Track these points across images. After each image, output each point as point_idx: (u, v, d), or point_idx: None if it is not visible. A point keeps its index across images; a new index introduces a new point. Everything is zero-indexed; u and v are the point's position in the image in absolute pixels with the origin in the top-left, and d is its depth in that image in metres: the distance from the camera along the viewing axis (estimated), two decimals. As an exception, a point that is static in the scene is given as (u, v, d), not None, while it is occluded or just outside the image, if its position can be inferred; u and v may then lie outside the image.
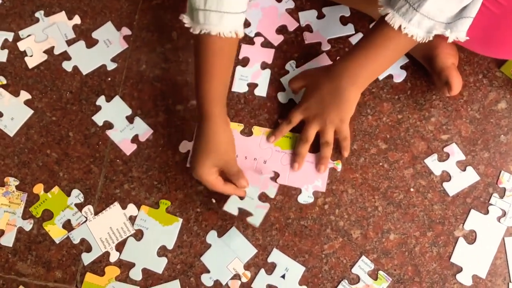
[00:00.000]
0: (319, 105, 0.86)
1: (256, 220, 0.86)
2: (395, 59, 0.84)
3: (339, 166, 0.92)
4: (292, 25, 1.00)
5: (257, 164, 0.91)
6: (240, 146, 0.91)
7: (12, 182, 0.94)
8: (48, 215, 0.92)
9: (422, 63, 0.93)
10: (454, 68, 0.87)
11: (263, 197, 0.88)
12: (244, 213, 0.86)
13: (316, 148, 0.91)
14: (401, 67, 0.96)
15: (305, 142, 0.89)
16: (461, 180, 0.90)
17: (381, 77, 0.96)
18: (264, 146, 0.93)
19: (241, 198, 0.86)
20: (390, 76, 0.96)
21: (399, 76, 0.95)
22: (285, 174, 0.91)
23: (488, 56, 0.93)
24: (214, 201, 0.91)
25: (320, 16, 1.00)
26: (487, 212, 0.89)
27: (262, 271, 0.88)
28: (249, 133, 0.94)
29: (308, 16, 1.00)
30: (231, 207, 0.86)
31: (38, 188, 0.93)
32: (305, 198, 0.90)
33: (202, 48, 0.80)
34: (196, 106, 0.85)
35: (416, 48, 0.89)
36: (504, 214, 0.88)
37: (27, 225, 0.91)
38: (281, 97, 0.96)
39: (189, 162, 0.88)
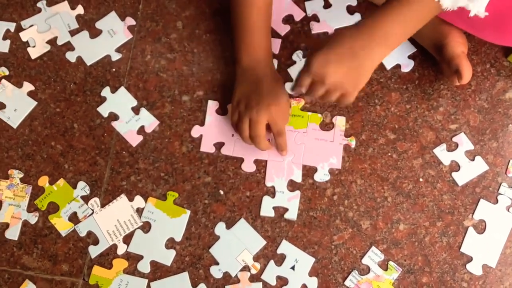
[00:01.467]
0: (337, 64, 0.75)
1: (292, 214, 0.88)
2: (419, 25, 0.76)
3: (353, 142, 0.92)
4: (298, 15, 0.99)
5: (272, 144, 0.91)
6: None
7: (16, 174, 0.92)
8: (53, 208, 0.91)
9: (431, 52, 0.92)
10: (464, 57, 0.87)
11: (291, 186, 0.90)
12: (280, 212, 0.89)
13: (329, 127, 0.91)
14: (409, 57, 0.95)
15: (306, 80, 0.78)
16: (470, 170, 0.90)
17: (388, 67, 0.95)
18: None
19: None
20: (397, 66, 0.95)
21: (407, 66, 0.95)
22: (299, 154, 0.91)
23: (499, 45, 0.93)
24: (222, 192, 0.90)
25: (327, 5, 0.99)
26: (496, 202, 0.89)
27: (272, 262, 0.87)
28: None
29: (314, 6, 0.99)
30: (267, 210, 0.88)
31: (43, 181, 0.92)
32: (321, 176, 0.90)
33: (247, 4, 0.88)
34: (248, 57, 0.89)
35: (425, 36, 0.88)
36: (514, 203, 0.89)
37: (32, 218, 0.90)
38: (288, 87, 0.95)
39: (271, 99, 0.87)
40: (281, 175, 0.90)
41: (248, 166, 0.91)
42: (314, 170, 0.91)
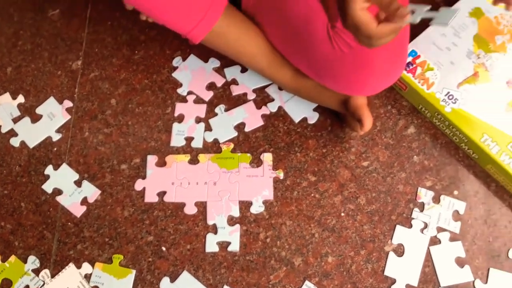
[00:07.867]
0: None
1: (235, 246, 0.98)
2: None
3: (281, 174, 1.02)
4: (219, 81, 1.11)
5: (208, 187, 1.01)
6: (190, 174, 1.02)
7: (-31, 257, 0.98)
8: (7, 284, 0.96)
9: (337, 109, 1.02)
10: (365, 107, 0.96)
11: (230, 221, 0.99)
12: (224, 246, 0.98)
13: (258, 163, 1.01)
14: (314, 110, 1.07)
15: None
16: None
17: (296, 120, 1.06)
18: (212, 170, 1.03)
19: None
20: (304, 119, 1.06)
21: (312, 118, 1.06)
22: (235, 192, 1.01)
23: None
24: (164, 249, 0.98)
25: (243, 70, 1.11)
26: (411, 226, 0.98)
27: (215, 308, 0.94)
28: (196, 161, 1.04)
29: (233, 71, 1.11)
30: (211, 246, 0.98)
31: (-5, 260, 0.98)
32: (256, 208, 1.00)
33: None
34: None
35: (329, 99, 1.01)
36: (426, 226, 0.98)
37: (-14, 297, 0.95)
38: (207, 136, 1.06)
39: None
40: (220, 212, 1.00)
41: (190, 209, 1.00)
42: (250, 203, 1.00)
